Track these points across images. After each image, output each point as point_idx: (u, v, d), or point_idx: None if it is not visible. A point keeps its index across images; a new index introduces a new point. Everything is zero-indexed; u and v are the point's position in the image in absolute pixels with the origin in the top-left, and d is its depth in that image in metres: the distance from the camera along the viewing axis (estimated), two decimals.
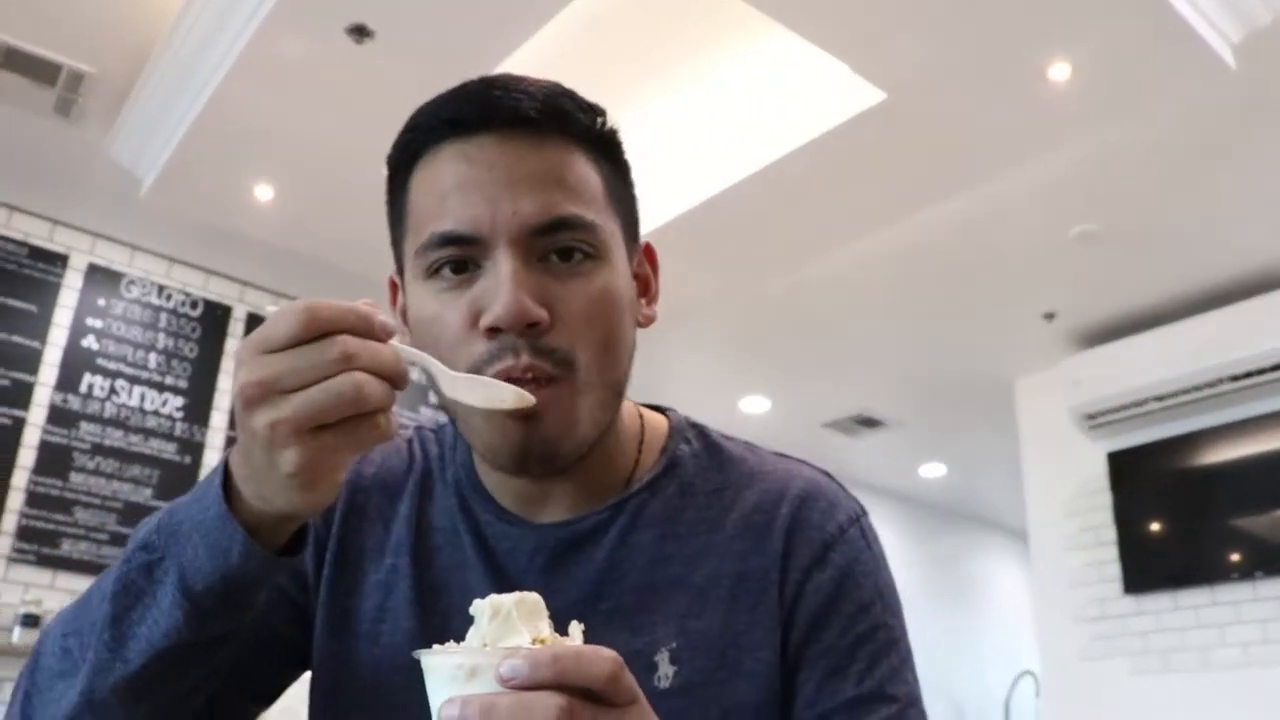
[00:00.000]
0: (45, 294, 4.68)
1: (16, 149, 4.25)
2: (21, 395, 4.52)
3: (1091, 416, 5.03)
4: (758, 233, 4.28)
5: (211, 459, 4.92)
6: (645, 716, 0.60)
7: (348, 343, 0.63)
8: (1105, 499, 5.10)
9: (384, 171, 0.87)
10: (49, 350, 4.64)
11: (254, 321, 5.24)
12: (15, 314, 4.58)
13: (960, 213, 4.16)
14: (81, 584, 4.42)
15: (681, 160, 3.93)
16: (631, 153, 0.90)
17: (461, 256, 0.79)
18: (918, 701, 0.85)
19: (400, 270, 0.87)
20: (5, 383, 4.48)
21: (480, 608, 0.63)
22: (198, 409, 4.96)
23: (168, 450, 4.82)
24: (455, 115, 0.81)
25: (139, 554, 0.73)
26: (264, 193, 4.20)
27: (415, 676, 0.82)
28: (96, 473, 4.61)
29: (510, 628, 0.61)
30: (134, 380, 4.82)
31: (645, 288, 0.92)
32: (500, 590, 0.80)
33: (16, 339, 4.56)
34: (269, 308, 0.66)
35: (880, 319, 5.30)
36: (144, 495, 4.69)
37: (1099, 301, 4.97)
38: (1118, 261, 4.59)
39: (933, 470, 7.58)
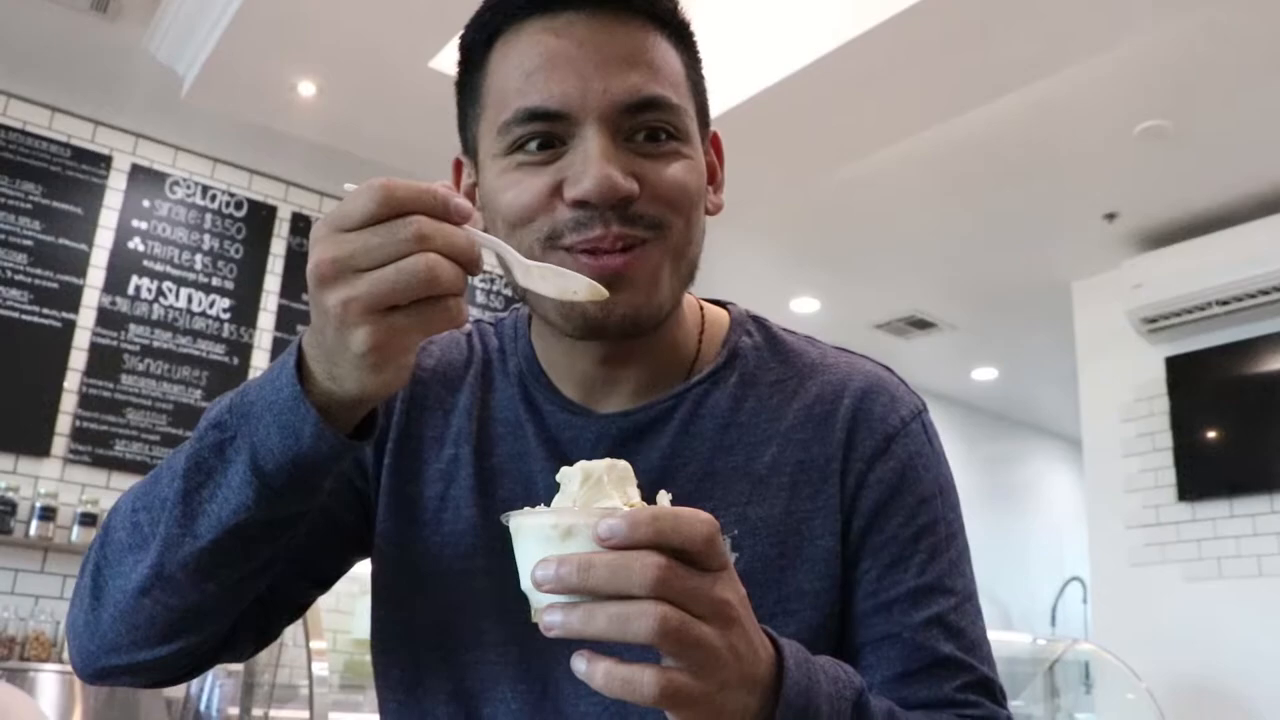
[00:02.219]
0: (90, 196, 4.68)
1: (55, 48, 4.20)
2: (70, 298, 4.55)
3: (1151, 320, 4.91)
4: (809, 128, 4.17)
5: (259, 360, 4.95)
6: (734, 582, 0.60)
7: (422, 223, 0.62)
8: (1162, 404, 4.99)
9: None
10: (96, 253, 4.65)
11: (299, 221, 5.22)
12: (61, 216, 4.58)
13: (1019, 108, 4.01)
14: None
15: (733, 53, 3.80)
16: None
17: (548, 132, 0.78)
18: (974, 596, 0.86)
19: (470, 151, 0.87)
20: (54, 285, 4.51)
21: (569, 474, 0.63)
22: (244, 310, 4.98)
23: (216, 351, 4.85)
24: None
25: (211, 432, 0.73)
26: (307, 89, 4.13)
27: (476, 563, 0.85)
28: (146, 374, 4.66)
29: (601, 492, 0.62)
30: (180, 282, 4.84)
31: (713, 175, 0.91)
32: None
33: (64, 241, 4.57)
34: (347, 186, 0.64)
35: (934, 219, 5.17)
36: (193, 397, 4.74)
37: (1162, 202, 4.80)
38: (1184, 160, 4.41)
39: (985, 374, 7.48)
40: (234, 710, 3.71)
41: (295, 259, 5.17)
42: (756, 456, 0.85)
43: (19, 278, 4.44)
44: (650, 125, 0.79)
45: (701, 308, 0.94)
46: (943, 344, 6.85)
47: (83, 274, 4.60)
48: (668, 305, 0.82)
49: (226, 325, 4.91)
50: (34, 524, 4.20)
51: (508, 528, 0.63)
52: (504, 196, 0.79)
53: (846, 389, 0.87)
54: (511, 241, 0.78)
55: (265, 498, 0.71)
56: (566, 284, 0.70)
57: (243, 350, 4.92)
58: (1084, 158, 4.47)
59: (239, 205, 5.08)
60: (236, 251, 5.02)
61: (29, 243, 4.49)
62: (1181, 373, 4.96)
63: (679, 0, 0.86)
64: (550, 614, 0.56)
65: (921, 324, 6.52)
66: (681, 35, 0.85)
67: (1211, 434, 4.86)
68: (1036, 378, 7.38)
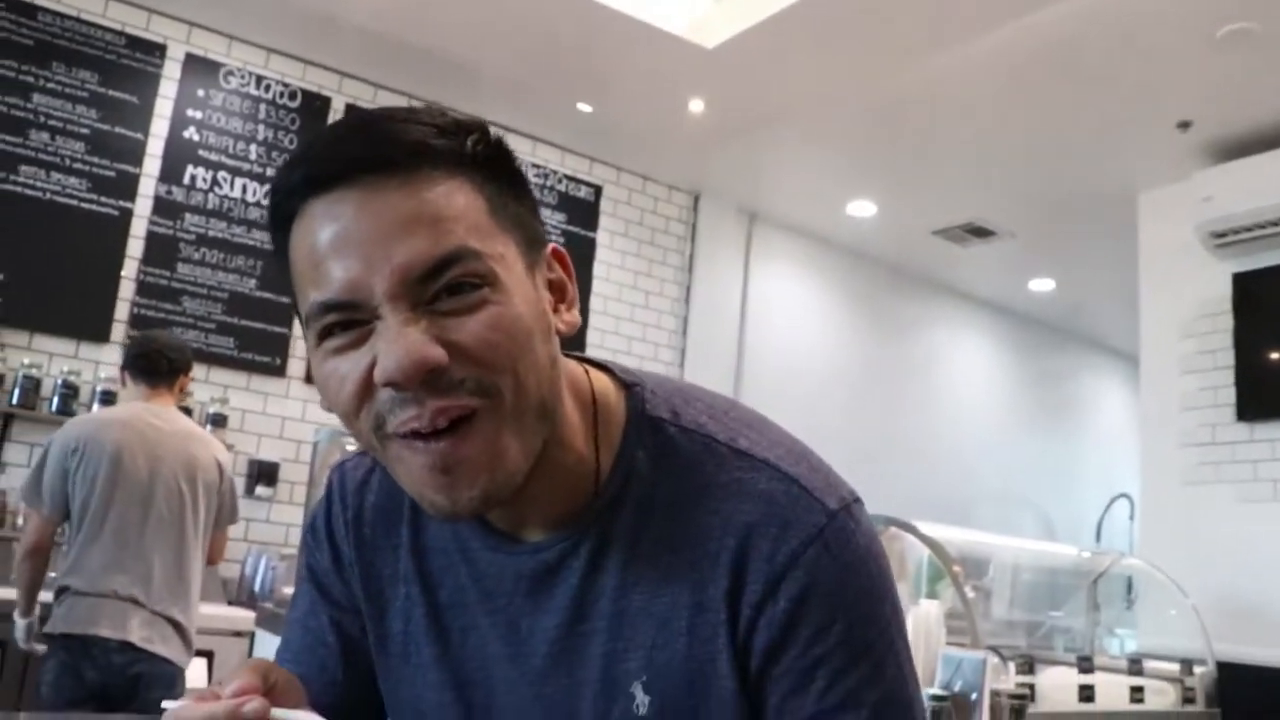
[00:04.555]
0: (145, 85, 4.67)
1: None
2: (127, 186, 4.58)
3: (1220, 235, 4.76)
4: (870, 27, 4.04)
5: None
6: None
7: None
8: (1226, 322, 4.88)
9: None
10: (151, 142, 4.67)
11: (351, 111, 5.16)
12: (117, 104, 4.59)
13: (1092, 8, 3.84)
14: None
15: None
16: None
17: (348, 320, 0.74)
18: (895, 699, 0.81)
19: (300, 318, 0.81)
20: (111, 174, 4.54)
21: None
22: None
23: (270, 242, 4.86)
24: (312, 173, 0.75)
25: None
26: None
27: (445, 695, 0.90)
28: (202, 263, 4.70)
29: None
30: (235, 172, 4.85)
31: (561, 294, 0.85)
32: (494, 614, 0.87)
33: (120, 130, 4.58)
34: (165, 704, 0.71)
35: (998, 123, 5.01)
36: (248, 286, 4.79)
37: (1241, 111, 4.61)
38: (1268, 66, 4.22)
39: (1042, 285, 7.35)
40: (287, 590, 3.82)
41: None
42: (658, 596, 0.82)
43: (77, 166, 4.47)
44: (449, 282, 0.73)
45: (595, 403, 0.87)
46: (1001, 253, 6.72)
47: (139, 163, 4.62)
48: (523, 466, 0.77)
49: None
50: (95, 408, 4.29)
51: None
52: (329, 391, 0.76)
53: (730, 524, 0.81)
54: (352, 432, 0.78)
55: None
56: None
57: None
58: (1160, 62, 4.30)
59: (293, 95, 5.06)
60: (291, 142, 5.01)
61: (86, 131, 4.51)
62: (1248, 290, 4.82)
63: (475, 132, 0.79)
64: None
65: (980, 232, 6.39)
66: (485, 168, 0.78)
67: (1275, 354, 4.74)
68: (1095, 291, 7.24)
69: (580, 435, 0.85)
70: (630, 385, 0.89)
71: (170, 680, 3.05)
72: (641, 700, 0.82)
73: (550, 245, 0.85)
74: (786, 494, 0.82)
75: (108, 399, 4.28)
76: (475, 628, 0.89)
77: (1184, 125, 4.73)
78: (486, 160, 0.78)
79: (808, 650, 0.79)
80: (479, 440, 0.74)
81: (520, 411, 0.76)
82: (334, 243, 0.73)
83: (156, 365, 3.24)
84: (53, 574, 3.15)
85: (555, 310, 0.83)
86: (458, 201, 0.75)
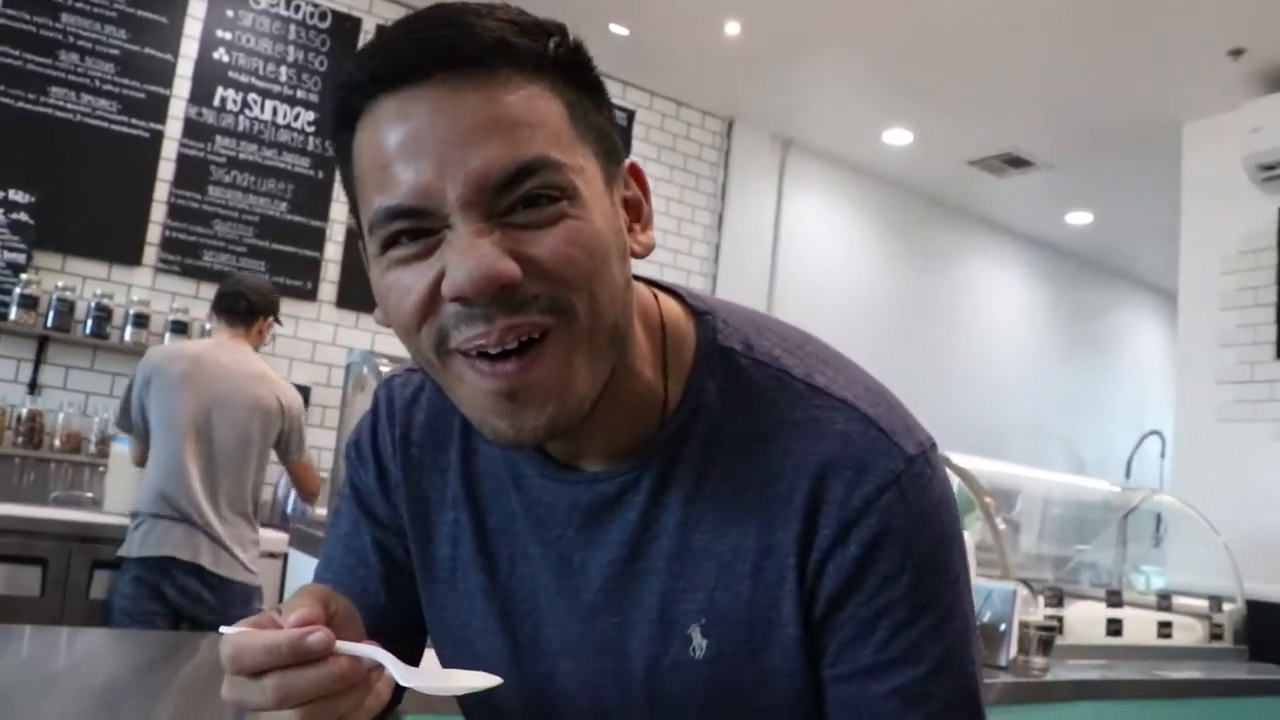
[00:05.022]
0: (173, 4, 4.62)
1: None
2: (157, 108, 4.55)
3: (1268, 167, 4.64)
4: None
5: None
6: None
7: (273, 686, 0.66)
8: (1270, 257, 4.77)
9: None
10: (181, 63, 4.63)
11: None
12: (145, 25, 4.55)
13: None
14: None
15: None
16: None
17: (417, 228, 0.70)
18: (955, 659, 0.79)
19: (358, 222, 0.77)
20: (141, 95, 4.51)
21: None
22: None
23: (301, 165, 4.85)
24: (385, 68, 0.69)
25: None
26: None
27: (490, 623, 0.90)
28: (233, 186, 4.69)
29: None
30: (265, 94, 4.81)
31: (637, 213, 0.80)
32: (546, 545, 0.84)
33: (149, 51, 4.55)
34: (222, 630, 0.69)
35: (1038, 49, 4.88)
36: (279, 210, 4.78)
37: None
38: None
39: (1079, 218, 7.23)
40: (320, 512, 3.87)
41: None
42: (722, 536, 0.80)
43: (107, 87, 4.44)
44: (527, 194, 0.69)
45: (664, 330, 0.83)
46: (1038, 184, 6.60)
47: (169, 84, 4.59)
48: (590, 394, 0.74)
49: (311, 139, 4.89)
50: (128, 330, 4.32)
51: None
52: (388, 303, 0.73)
53: (805, 465, 0.78)
54: (409, 348, 0.74)
55: None
56: (450, 683, 0.71)
57: (327, 164, 4.92)
58: None
59: (323, 16, 4.99)
60: (321, 64, 4.96)
61: (115, 52, 4.47)
62: None
63: (557, 33, 0.74)
64: None
65: (1017, 162, 6.28)
66: (566, 72, 0.73)
67: None
68: (1134, 224, 7.12)
69: (649, 363, 0.81)
70: (701, 313, 0.85)
71: (247, 597, 3.25)
72: (699, 644, 0.80)
73: (629, 161, 0.80)
74: (864, 436, 0.79)
75: (140, 322, 4.32)
76: (525, 556, 0.86)
77: (1235, 53, 4.59)
78: (568, 64, 0.74)
79: (873, 598, 0.77)
80: (549, 363, 0.71)
81: (593, 334, 0.72)
82: (405, 144, 0.68)
83: (235, 305, 3.40)
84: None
85: (630, 230, 0.78)
86: (538, 107, 0.70)
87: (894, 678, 0.77)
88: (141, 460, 3.33)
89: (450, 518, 0.90)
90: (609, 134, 0.77)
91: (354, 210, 0.76)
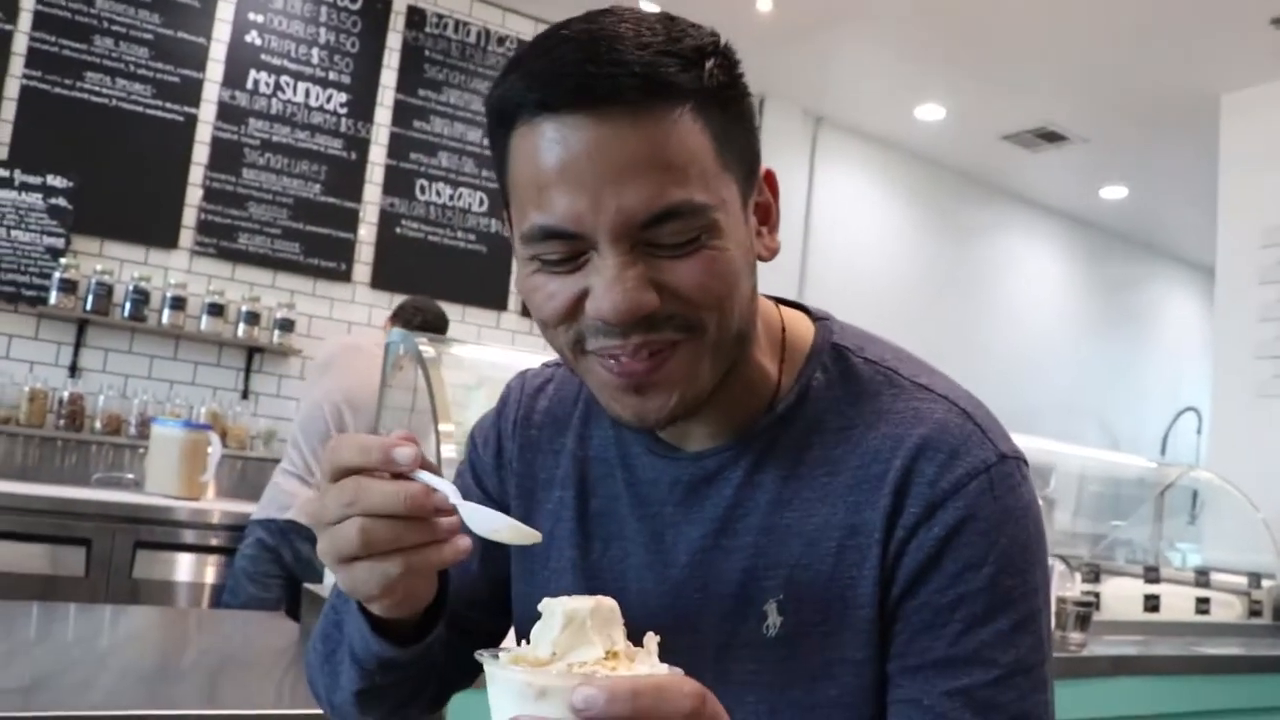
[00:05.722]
0: None
1: None
2: (191, 92, 4.59)
3: None
4: None
5: (376, 155, 4.98)
6: None
7: (349, 488, 0.69)
8: None
9: None
10: (214, 46, 4.66)
11: (414, 15, 5.13)
12: (178, 9, 4.58)
13: None
14: (259, 276, 4.64)
15: None
16: None
17: (565, 249, 0.75)
18: (1032, 670, 0.78)
19: (508, 212, 0.83)
20: (175, 79, 4.55)
21: (552, 609, 0.63)
22: (361, 104, 4.97)
23: (333, 146, 4.88)
24: (546, 97, 0.73)
25: (331, 610, 0.89)
26: None
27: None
28: (266, 169, 4.72)
29: (583, 637, 0.61)
30: (298, 76, 4.83)
31: (766, 216, 0.85)
32: (644, 521, 0.88)
33: (182, 35, 4.58)
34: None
35: (1072, 21, 4.82)
36: (312, 191, 4.80)
37: None
38: None
39: (1114, 192, 7.15)
40: None
41: (411, 53, 5.11)
42: (811, 515, 0.82)
43: (141, 72, 4.48)
44: (671, 233, 0.73)
45: (784, 329, 0.89)
46: (1072, 158, 6.53)
47: (202, 68, 4.62)
48: (708, 388, 0.80)
49: (344, 120, 4.92)
50: (165, 313, 4.37)
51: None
52: (534, 298, 0.79)
53: (901, 446, 0.81)
54: (546, 337, 0.81)
55: (368, 674, 0.84)
56: (492, 524, 0.72)
57: (360, 145, 4.94)
58: None
59: None
60: (352, 45, 4.97)
61: (149, 36, 4.50)
62: None
63: (712, 56, 0.76)
64: None
65: (1051, 136, 6.21)
66: (716, 97, 0.76)
67: None
68: (1170, 198, 7.03)
69: (767, 355, 0.87)
70: (821, 318, 0.92)
71: None
72: (773, 621, 0.81)
73: (764, 170, 0.84)
74: (961, 427, 0.82)
75: (177, 305, 4.38)
76: (620, 538, 0.90)
77: (1278, 21, 4.51)
78: (719, 89, 0.76)
79: (951, 586, 0.78)
80: (675, 367, 0.77)
81: (719, 343, 0.78)
82: (561, 172, 0.72)
83: (409, 320, 3.69)
84: None
85: (758, 234, 0.83)
86: (689, 145, 0.73)
87: (962, 677, 0.77)
88: None
89: (555, 496, 0.95)
90: (751, 150, 0.81)
91: (504, 194, 0.81)
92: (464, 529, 0.73)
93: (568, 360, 0.81)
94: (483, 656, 0.62)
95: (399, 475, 0.70)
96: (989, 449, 0.81)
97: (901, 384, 0.85)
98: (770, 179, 0.85)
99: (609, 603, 0.63)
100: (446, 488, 0.71)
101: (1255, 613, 3.76)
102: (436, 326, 3.72)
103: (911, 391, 0.84)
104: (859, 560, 0.80)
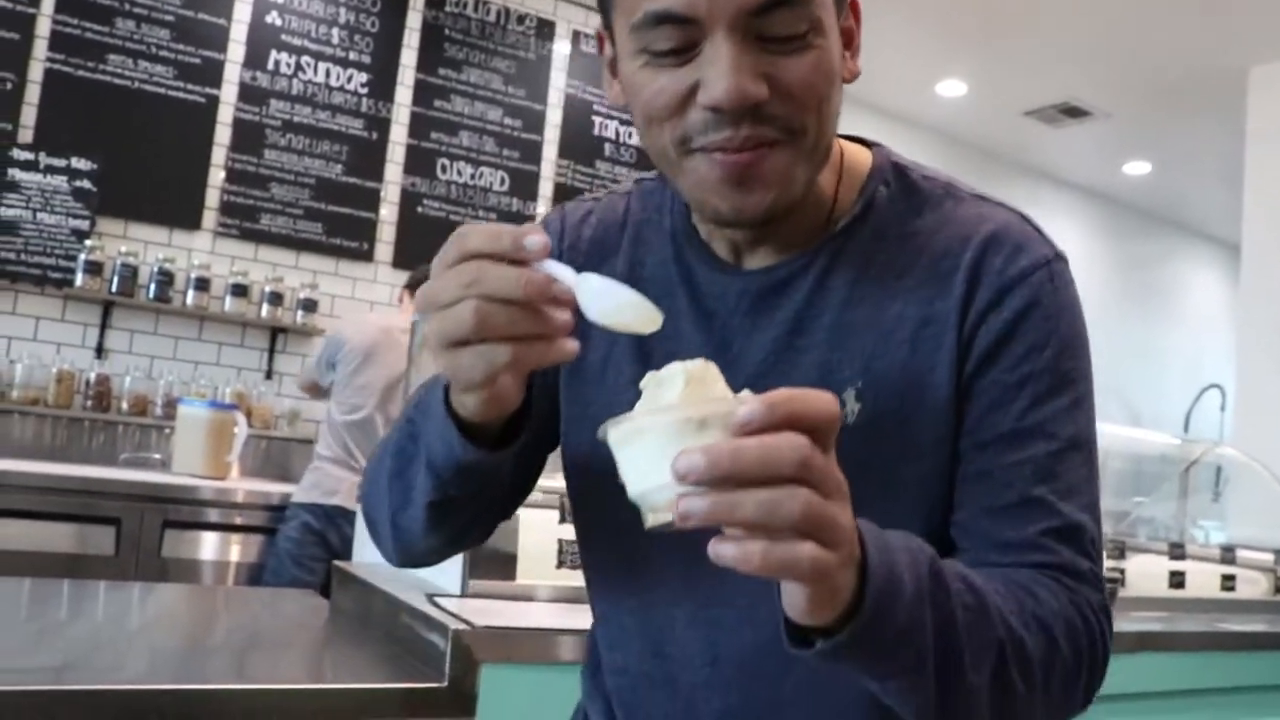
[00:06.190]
0: None
1: None
2: (213, 73, 4.60)
3: None
4: None
5: (398, 135, 4.98)
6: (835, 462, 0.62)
7: (470, 270, 0.67)
8: None
9: None
10: (235, 27, 4.67)
11: None
12: None
13: None
14: (282, 257, 4.66)
15: None
16: None
17: (677, 36, 0.78)
18: (1085, 445, 0.85)
19: (608, 29, 0.87)
20: (196, 61, 4.56)
21: (669, 371, 0.63)
22: (382, 84, 4.97)
23: (355, 126, 4.88)
24: None
25: (406, 424, 0.87)
26: None
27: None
28: (288, 149, 4.73)
29: (707, 388, 0.62)
30: (318, 56, 4.84)
31: (849, 40, 0.89)
32: (709, 333, 0.90)
33: (203, 16, 4.59)
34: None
35: None
36: (334, 171, 4.81)
37: None
38: None
39: (1137, 168, 7.09)
40: None
41: (431, 33, 5.11)
42: (884, 309, 0.87)
43: (163, 53, 4.49)
44: (780, 25, 0.77)
45: (842, 152, 0.94)
46: (1095, 134, 6.48)
47: (223, 49, 4.63)
48: (800, 195, 0.84)
49: (364, 100, 4.92)
50: (190, 294, 4.40)
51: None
52: (641, 95, 0.81)
53: (970, 242, 0.87)
54: (648, 137, 0.83)
55: (444, 484, 0.82)
56: (618, 302, 0.70)
57: (381, 125, 4.94)
58: None
59: None
60: (372, 25, 4.97)
61: (170, 18, 4.51)
62: None
63: None
64: (690, 502, 0.56)
65: (1074, 112, 6.16)
66: None
67: None
68: (1194, 173, 6.97)
69: (828, 169, 0.90)
70: (877, 145, 0.97)
71: None
72: (852, 408, 0.85)
73: None
74: (1021, 228, 0.89)
75: (201, 286, 4.40)
76: (681, 351, 0.87)
77: None
78: None
79: (1017, 366, 0.84)
80: (776, 164, 0.80)
81: (814, 150, 0.82)
82: None
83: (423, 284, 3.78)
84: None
85: (842, 57, 0.86)
86: None
87: (1028, 448, 0.83)
88: (316, 395, 3.99)
89: None
90: None
91: (603, 8, 0.85)
92: (578, 323, 0.72)
93: (668, 161, 0.83)
94: (604, 430, 0.63)
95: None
96: (1048, 246, 0.89)
97: (961, 195, 0.92)
98: (855, 6, 0.89)
99: (713, 365, 0.64)
100: (570, 278, 0.70)
101: None
102: None
103: (971, 201, 0.91)
104: (935, 347, 0.85)
